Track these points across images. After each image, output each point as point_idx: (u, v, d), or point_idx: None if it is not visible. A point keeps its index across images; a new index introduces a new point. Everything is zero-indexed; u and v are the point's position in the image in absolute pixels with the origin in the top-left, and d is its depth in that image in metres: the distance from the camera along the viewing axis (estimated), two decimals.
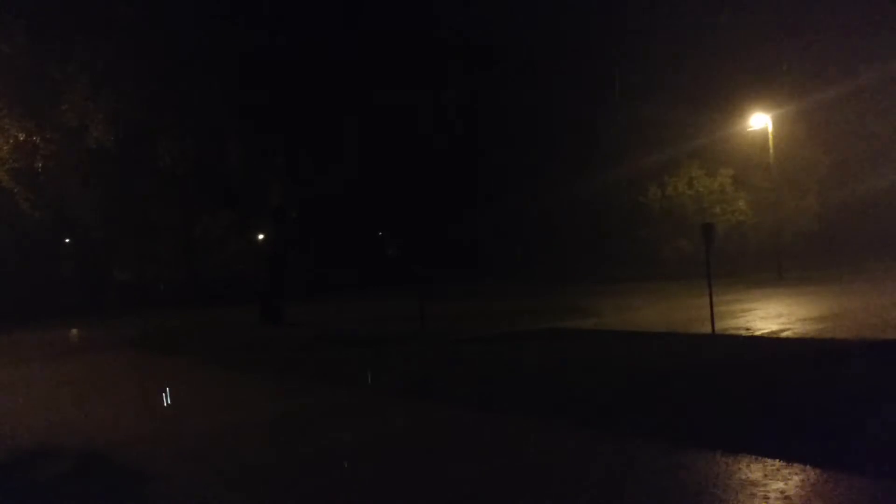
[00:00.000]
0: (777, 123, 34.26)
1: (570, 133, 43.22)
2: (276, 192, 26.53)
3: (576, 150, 43.64)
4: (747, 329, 15.52)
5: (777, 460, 6.42)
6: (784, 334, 14.51)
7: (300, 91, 25.60)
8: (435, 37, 33.21)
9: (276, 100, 25.25)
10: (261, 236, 31.01)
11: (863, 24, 41.59)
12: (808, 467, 6.20)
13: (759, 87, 37.18)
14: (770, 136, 33.28)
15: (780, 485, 5.87)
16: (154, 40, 25.34)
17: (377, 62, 28.08)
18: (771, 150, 33.27)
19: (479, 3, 38.94)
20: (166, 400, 11.62)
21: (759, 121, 34.03)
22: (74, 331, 27.15)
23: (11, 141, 23.23)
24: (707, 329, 15.20)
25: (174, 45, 25.36)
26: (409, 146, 34.35)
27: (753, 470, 6.28)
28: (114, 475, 7.74)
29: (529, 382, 11.39)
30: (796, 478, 6.01)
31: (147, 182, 30.21)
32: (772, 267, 32.15)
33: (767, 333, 14.78)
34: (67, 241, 38.74)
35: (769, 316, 17.76)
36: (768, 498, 5.63)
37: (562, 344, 15.76)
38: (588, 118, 42.06)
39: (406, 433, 8.61)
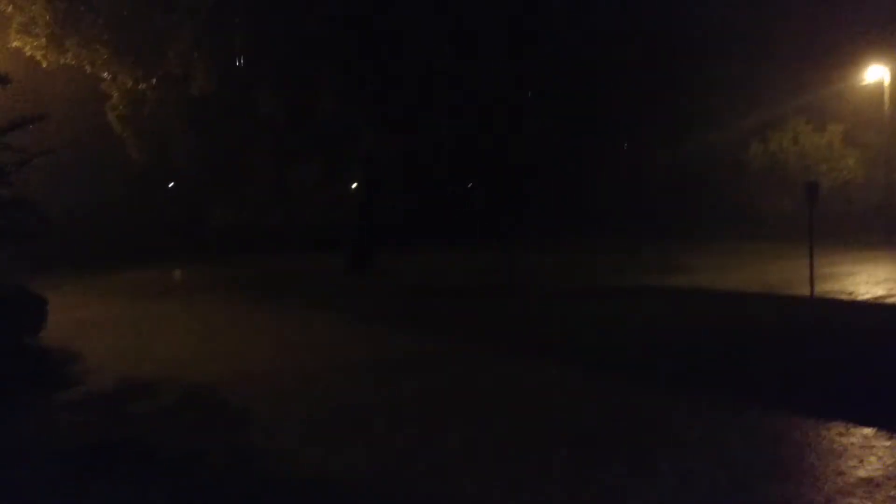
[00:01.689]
0: (895, 77, 32.17)
1: (672, 90, 41.68)
2: (367, 142, 26.75)
3: (678, 108, 42.11)
4: (849, 293, 14.87)
5: (873, 429, 6.21)
6: (889, 300, 13.84)
7: (395, 43, 25.56)
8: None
9: (370, 52, 25.28)
10: (353, 185, 31.44)
11: None
12: None
13: (876, 39, 34.83)
14: (886, 90, 31.32)
15: (879, 453, 5.68)
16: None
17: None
18: (886, 105, 31.34)
19: None
20: (262, 341, 12.11)
21: (875, 73, 32.02)
22: (177, 272, 28.45)
23: (121, 88, 24.21)
24: (806, 291, 14.63)
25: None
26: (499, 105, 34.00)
27: (849, 437, 6.09)
28: (213, 410, 8.17)
29: (616, 340, 11.29)
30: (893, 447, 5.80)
31: (244, 129, 30.97)
32: (881, 229, 30.53)
33: (870, 298, 14.13)
34: (171, 185, 40.41)
35: (874, 280, 16.93)
36: (865, 465, 5.46)
37: (650, 302, 15.49)
38: (690, 74, 40.40)
39: (491, 385, 8.72)
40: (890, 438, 6.02)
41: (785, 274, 18.40)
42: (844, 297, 14.47)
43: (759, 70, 38.57)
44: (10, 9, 20.59)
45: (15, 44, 21.04)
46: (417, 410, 7.67)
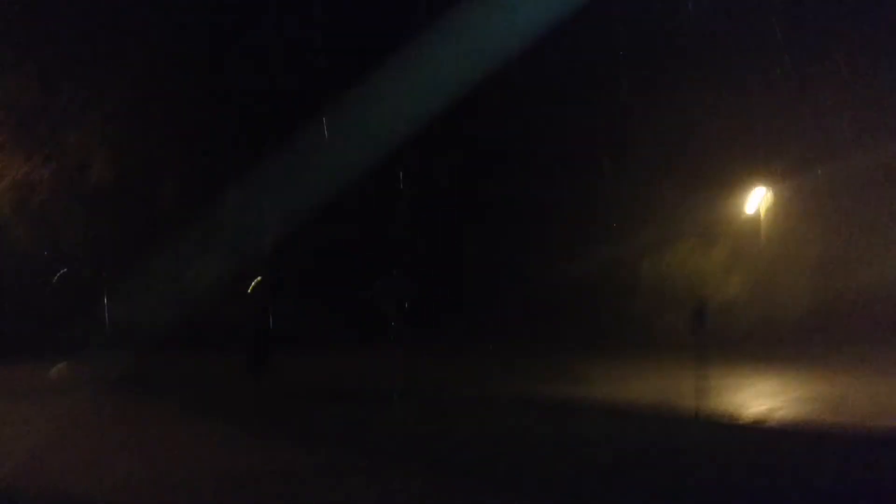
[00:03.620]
0: (775, 201, 34.53)
1: (564, 209, 43.53)
2: (270, 241, 26.53)
3: (577, 222, 43.82)
4: (733, 412, 15.27)
5: None
6: (776, 414, 14.26)
7: (297, 138, 25.89)
8: None
9: (277, 146, 25.48)
10: (253, 283, 30.92)
11: (863, 103, 42.23)
12: None
13: (758, 164, 37.53)
14: (764, 215, 33.52)
15: None
16: (164, 81, 25.66)
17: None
18: (766, 229, 33.48)
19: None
20: (132, 449, 11.42)
21: (756, 198, 34.32)
22: (60, 366, 26.80)
23: (12, 175, 23.36)
24: (691, 409, 14.89)
25: (182, 89, 25.66)
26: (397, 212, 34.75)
27: None
28: None
29: (501, 457, 11.18)
30: None
31: (144, 221, 30.27)
32: (765, 345, 31.97)
33: (755, 414, 14.53)
34: (62, 272, 38.70)
35: (760, 394, 17.53)
36: None
37: (541, 415, 15.51)
38: (582, 196, 42.41)
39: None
40: None
41: (675, 388, 18.82)
42: (728, 418, 14.81)
43: (654, 188, 40.76)
44: None
45: None
46: None
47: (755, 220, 35.78)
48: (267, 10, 25.72)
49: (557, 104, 42.85)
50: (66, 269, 38.06)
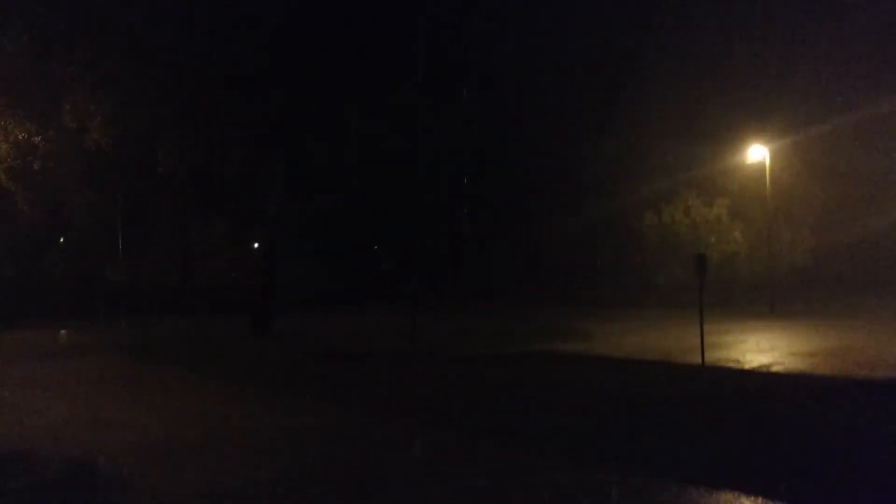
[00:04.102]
0: (775, 156, 34.44)
1: (569, 162, 43.42)
2: (273, 203, 26.44)
3: (575, 179, 43.80)
4: (737, 361, 15.52)
5: (759, 497, 6.40)
6: (774, 368, 14.50)
7: (302, 104, 25.62)
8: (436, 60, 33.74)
9: (278, 112, 25.27)
10: (256, 246, 30.96)
11: (865, 57, 42.00)
12: None
13: (759, 119, 37.40)
14: (767, 169, 33.44)
15: None
16: (159, 45, 25.40)
17: (377, 83, 28.27)
18: (768, 183, 33.41)
19: (473, 31, 39.25)
20: (151, 410, 11.55)
21: (758, 153, 34.21)
22: (63, 332, 27.00)
23: (11, 139, 23.22)
24: (697, 359, 15.18)
25: (179, 51, 25.40)
26: (410, 168, 34.58)
27: None
28: (98, 484, 7.67)
29: (512, 407, 11.34)
30: None
31: (144, 186, 30.18)
32: (765, 299, 32.17)
33: (758, 366, 14.77)
34: (62, 240, 38.70)
35: (760, 349, 17.75)
36: None
37: (549, 368, 15.74)
38: (590, 147, 42.26)
39: (384, 454, 8.56)
40: None
41: (678, 341, 19.07)
42: (733, 364, 15.07)
43: (654, 145, 40.67)
44: None
45: None
46: (311, 482, 7.42)
47: (757, 174, 35.73)
48: None
49: (558, 60, 42.57)
50: (66, 236, 38.15)
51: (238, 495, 7.05)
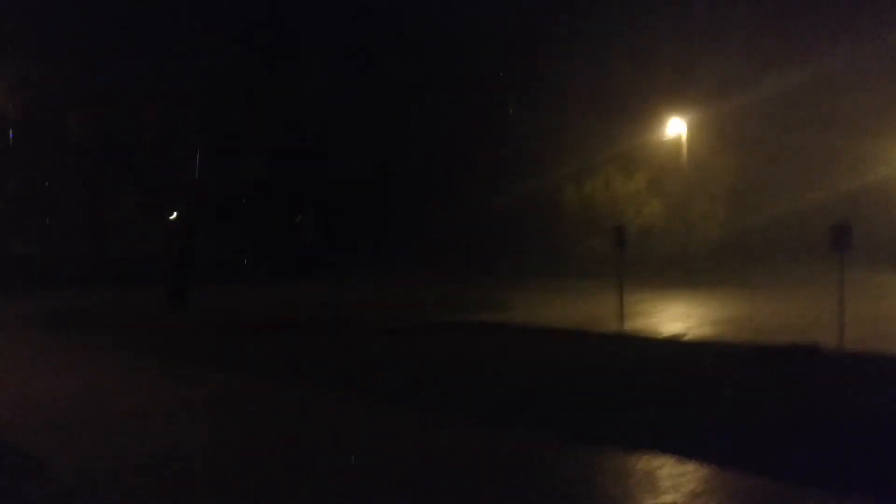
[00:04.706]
0: (691, 130, 35.43)
1: (495, 136, 43.67)
2: (190, 173, 25.64)
3: (501, 153, 44.10)
4: (653, 330, 16.03)
5: (673, 456, 6.65)
6: (688, 336, 15.05)
7: (220, 71, 24.85)
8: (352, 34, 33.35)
9: (194, 78, 24.42)
10: (172, 217, 30.03)
11: (772, 32, 43.49)
12: (702, 464, 6.44)
13: (678, 95, 38.35)
14: (684, 143, 34.38)
15: (678, 481, 6.08)
16: (67, 3, 24.18)
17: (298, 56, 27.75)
18: (684, 157, 34.38)
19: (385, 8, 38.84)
20: (61, 384, 11.16)
21: (675, 127, 35.10)
22: None
23: None
24: (615, 328, 15.63)
25: (88, 10, 24.22)
26: (328, 141, 34.09)
27: (651, 465, 6.48)
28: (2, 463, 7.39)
29: (434, 376, 11.44)
30: (690, 474, 6.23)
31: (53, 154, 28.84)
32: (679, 270, 33.26)
33: (672, 334, 15.30)
34: None
35: (675, 317, 18.39)
36: (665, 492, 5.82)
37: (469, 337, 15.88)
38: (509, 122, 42.59)
39: (305, 424, 8.53)
40: (685, 464, 6.47)
41: (597, 311, 19.55)
42: (650, 333, 15.56)
43: (575, 121, 41.27)
44: None
45: None
46: (224, 450, 7.34)
47: (675, 148, 36.70)
48: None
49: (474, 37, 42.54)
50: None
51: (159, 465, 6.90)
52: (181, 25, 23.64)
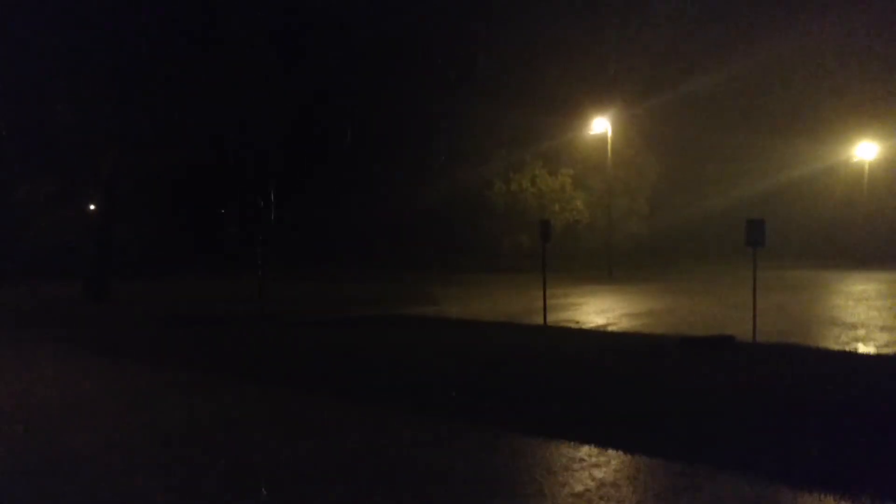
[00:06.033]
0: (616, 129, 36.19)
1: (422, 131, 43.69)
2: (108, 161, 24.78)
3: (429, 148, 44.17)
4: (576, 322, 16.32)
5: (593, 446, 6.78)
6: (609, 328, 15.38)
7: (141, 53, 24.06)
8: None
9: (113, 60, 23.59)
10: (91, 207, 28.98)
11: (691, 35, 44.90)
12: (620, 452, 6.59)
13: (602, 94, 39.15)
14: (609, 141, 35.11)
15: (595, 469, 6.20)
16: None
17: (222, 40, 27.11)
18: (609, 154, 35.10)
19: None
20: None
21: (600, 125, 35.80)
22: None
23: None
24: (539, 320, 15.86)
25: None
26: (255, 130, 33.44)
27: (571, 454, 6.59)
28: None
29: (359, 368, 11.39)
30: (612, 462, 6.37)
31: None
32: (603, 265, 33.98)
33: (594, 327, 15.62)
34: None
35: (597, 310, 18.78)
36: (583, 480, 5.93)
37: (395, 330, 15.87)
38: (438, 116, 42.66)
39: (232, 415, 8.37)
40: (605, 454, 6.61)
41: (522, 304, 19.82)
42: (572, 325, 15.84)
43: (502, 115, 41.67)
44: None
45: None
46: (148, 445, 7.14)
47: (600, 145, 37.43)
48: None
49: (402, 30, 42.45)
50: None
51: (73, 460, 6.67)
52: (98, 13, 22.82)
